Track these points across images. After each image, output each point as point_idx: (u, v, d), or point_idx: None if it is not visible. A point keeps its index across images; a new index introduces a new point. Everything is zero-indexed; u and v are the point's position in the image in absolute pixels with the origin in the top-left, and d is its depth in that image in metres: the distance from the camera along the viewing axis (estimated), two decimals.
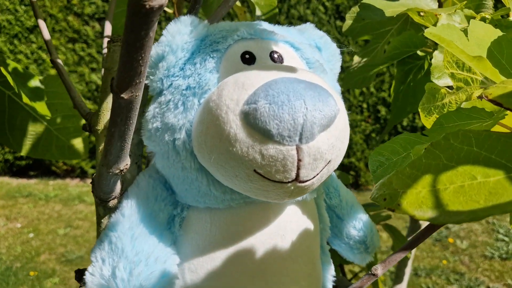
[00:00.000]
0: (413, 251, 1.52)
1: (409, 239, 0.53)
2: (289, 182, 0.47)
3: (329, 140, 0.46)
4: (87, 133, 0.85)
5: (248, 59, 0.54)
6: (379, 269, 0.63)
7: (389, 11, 0.81)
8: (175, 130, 0.51)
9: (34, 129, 0.90)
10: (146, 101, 0.61)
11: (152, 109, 0.54)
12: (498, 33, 0.52)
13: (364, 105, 4.16)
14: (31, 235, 3.47)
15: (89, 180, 4.66)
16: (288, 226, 0.56)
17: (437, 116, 0.64)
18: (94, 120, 0.61)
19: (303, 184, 0.48)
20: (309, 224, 0.58)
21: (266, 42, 0.56)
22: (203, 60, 0.53)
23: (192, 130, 0.51)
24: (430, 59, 0.87)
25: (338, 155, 0.49)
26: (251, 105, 0.45)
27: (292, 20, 4.06)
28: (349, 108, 4.21)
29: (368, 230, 0.66)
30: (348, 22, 0.96)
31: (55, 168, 4.64)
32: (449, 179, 0.36)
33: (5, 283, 2.78)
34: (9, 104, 0.87)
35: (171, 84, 0.53)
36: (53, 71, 4.29)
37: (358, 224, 0.66)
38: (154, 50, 0.52)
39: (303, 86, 0.45)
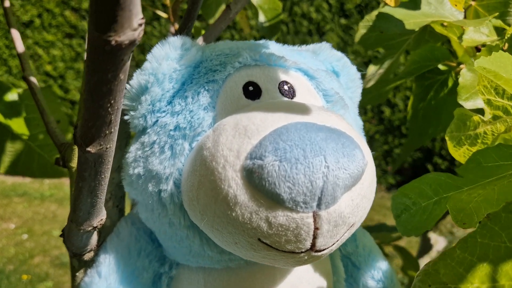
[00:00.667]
0: None
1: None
2: (302, 252, 0.38)
3: (353, 201, 0.37)
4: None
5: (252, 92, 0.45)
6: None
7: (410, 22, 0.72)
8: (160, 180, 0.42)
9: (12, 146, 0.81)
10: (129, 133, 0.51)
11: (133, 150, 0.45)
12: None
13: (368, 106, 4.06)
14: (25, 236, 3.39)
15: None
16: (297, 287, 0.47)
17: (469, 148, 0.56)
18: (68, 154, 0.52)
19: (319, 254, 0.39)
20: (321, 282, 0.49)
21: (275, 70, 0.46)
22: (196, 93, 0.44)
23: (182, 181, 0.42)
24: (455, 75, 0.78)
25: (362, 216, 0.40)
26: (256, 160, 0.36)
27: (295, 17, 3.95)
28: None
29: (389, 281, 0.57)
30: (362, 31, 0.86)
31: None
32: None
33: None
34: None
35: (157, 121, 0.44)
36: (49, 67, 4.20)
37: (377, 274, 0.56)
38: (136, 79, 0.43)
39: (323, 135, 0.36)
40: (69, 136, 0.85)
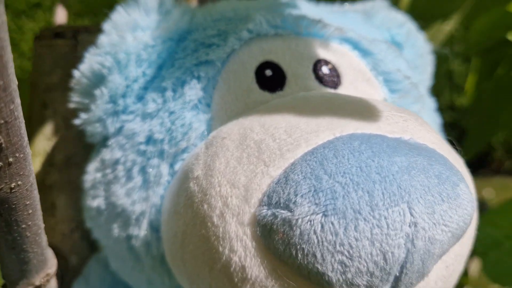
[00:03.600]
0: None
1: None
2: None
3: (448, 268, 0.22)
4: None
5: (271, 79, 0.28)
6: None
7: None
8: (129, 221, 0.27)
9: None
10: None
11: (92, 170, 0.30)
12: None
13: None
14: None
15: None
16: None
17: None
18: None
19: None
20: None
21: (307, 43, 0.29)
22: (180, 83, 0.28)
23: (162, 223, 0.27)
24: None
25: (454, 283, 0.25)
26: (278, 210, 0.20)
27: None
28: None
29: None
30: None
31: None
32: None
33: None
34: None
35: (122, 127, 0.29)
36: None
37: None
38: (88, 63, 0.28)
39: (404, 161, 0.20)
40: None
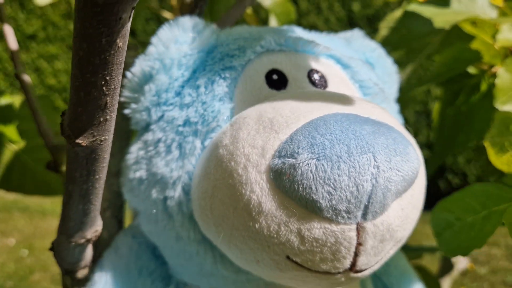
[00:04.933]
0: None
1: None
2: (339, 273, 0.31)
3: (404, 210, 0.31)
4: None
5: (277, 81, 0.38)
6: None
7: (439, 20, 0.66)
8: (166, 185, 0.36)
9: (5, 159, 0.75)
10: (129, 131, 0.45)
11: (135, 150, 0.38)
12: None
13: None
14: (26, 252, 3.32)
15: None
16: None
17: None
18: (61, 157, 0.45)
19: (358, 275, 0.32)
20: None
21: (303, 57, 0.39)
22: (210, 81, 0.37)
23: (192, 186, 0.35)
24: (489, 78, 0.72)
25: (410, 229, 0.33)
26: (286, 159, 0.29)
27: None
28: None
29: None
30: (383, 32, 0.80)
31: None
32: None
33: None
34: None
35: (163, 115, 0.37)
36: (53, 81, 4.17)
37: None
38: (139, 66, 0.37)
39: (370, 129, 0.29)
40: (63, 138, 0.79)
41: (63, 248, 0.36)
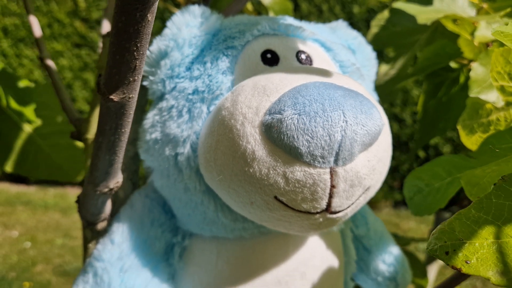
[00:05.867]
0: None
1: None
2: (317, 213, 0.38)
3: (370, 162, 0.37)
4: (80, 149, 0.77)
5: (270, 59, 0.45)
6: None
7: (422, 17, 0.73)
8: (177, 143, 0.43)
9: (21, 144, 0.81)
10: (145, 106, 0.52)
11: (151, 116, 0.45)
12: None
13: None
14: (28, 244, 3.38)
15: None
16: (310, 262, 0.47)
17: (481, 135, 0.56)
18: (84, 127, 0.52)
19: (334, 216, 0.39)
20: (333, 260, 0.49)
21: (292, 40, 0.47)
22: (215, 58, 0.44)
23: (198, 144, 0.42)
24: (467, 72, 0.79)
25: (378, 180, 0.40)
26: (274, 115, 0.36)
27: None
28: None
29: (400, 265, 0.56)
30: (374, 30, 0.87)
31: None
32: None
33: None
34: None
35: (175, 86, 0.44)
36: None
37: (388, 258, 0.56)
38: (156, 45, 0.44)
39: (342, 93, 0.36)
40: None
41: (89, 198, 0.43)
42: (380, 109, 0.40)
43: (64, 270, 3.00)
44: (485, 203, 0.30)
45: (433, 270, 1.35)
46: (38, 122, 0.78)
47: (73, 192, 4.54)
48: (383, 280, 0.56)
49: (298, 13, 3.97)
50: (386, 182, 4.04)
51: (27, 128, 0.79)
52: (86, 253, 0.50)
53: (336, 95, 0.35)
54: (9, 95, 0.72)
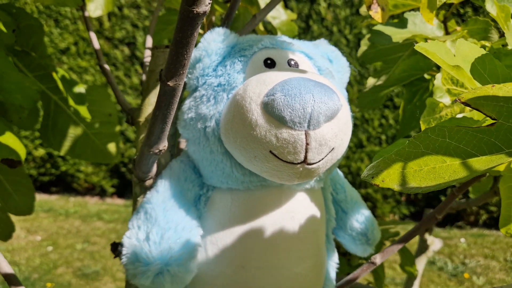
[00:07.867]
0: (419, 278, 1.55)
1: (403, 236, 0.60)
2: (298, 163, 0.56)
3: (332, 129, 0.55)
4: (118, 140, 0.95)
5: (270, 64, 0.64)
6: (377, 258, 0.71)
7: (396, 37, 0.91)
8: (206, 119, 0.61)
9: (73, 132, 0.98)
10: (183, 97, 0.71)
11: (188, 102, 0.64)
12: (482, 51, 0.58)
13: (383, 137, 4.23)
14: (50, 248, 3.55)
15: (108, 199, 4.78)
16: (297, 209, 0.65)
17: None
18: (137, 114, 0.71)
19: (310, 167, 0.57)
20: (316, 211, 0.67)
21: (285, 51, 0.66)
22: (233, 63, 0.63)
23: (220, 119, 0.60)
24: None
25: (340, 145, 0.58)
26: (270, 96, 0.54)
27: None
28: (367, 139, 4.28)
29: (369, 223, 0.74)
30: (363, 48, 1.05)
31: (76, 185, 4.77)
32: (425, 162, 0.42)
33: None
34: (54, 108, 0.95)
35: (205, 82, 0.63)
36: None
37: (360, 217, 0.74)
38: (193, 53, 0.63)
39: (313, 83, 0.54)
40: (117, 128, 1.03)
41: (143, 158, 0.61)
42: (340, 96, 0.58)
43: (83, 273, 3.14)
44: (401, 151, 0.45)
45: (422, 263, 1.50)
46: (90, 118, 0.94)
47: (92, 201, 4.72)
48: (357, 235, 0.74)
49: (310, 34, 4.17)
50: (393, 197, 4.18)
51: (78, 121, 0.96)
52: (135, 205, 0.68)
53: (309, 84, 0.53)
54: (68, 96, 0.90)
